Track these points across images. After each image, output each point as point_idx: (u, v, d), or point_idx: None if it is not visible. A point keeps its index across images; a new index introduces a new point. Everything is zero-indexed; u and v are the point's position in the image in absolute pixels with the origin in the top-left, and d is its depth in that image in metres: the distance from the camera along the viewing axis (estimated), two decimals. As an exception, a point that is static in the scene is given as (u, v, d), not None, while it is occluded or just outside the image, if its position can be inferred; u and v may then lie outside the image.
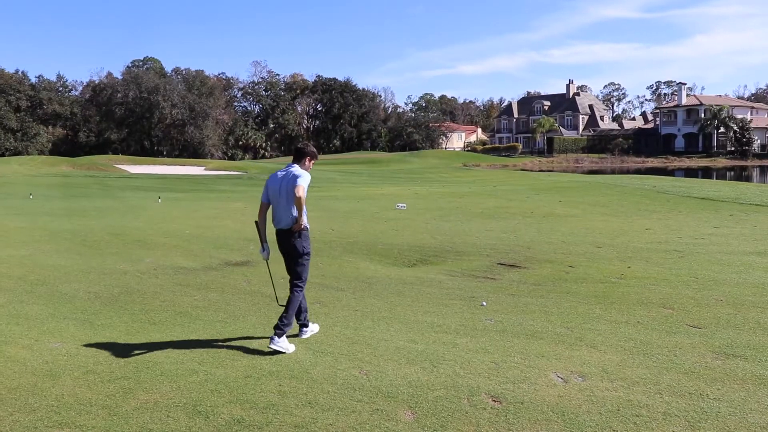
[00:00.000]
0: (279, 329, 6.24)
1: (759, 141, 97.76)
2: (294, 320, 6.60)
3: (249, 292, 9.46)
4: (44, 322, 7.67)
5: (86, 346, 6.64)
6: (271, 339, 6.21)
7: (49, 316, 8.03)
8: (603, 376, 5.23)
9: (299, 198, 6.29)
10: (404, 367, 5.59)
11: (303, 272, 6.71)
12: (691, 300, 8.15)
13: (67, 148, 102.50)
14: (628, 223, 16.70)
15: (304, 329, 6.82)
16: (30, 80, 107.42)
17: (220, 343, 6.62)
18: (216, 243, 14.29)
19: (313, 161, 6.84)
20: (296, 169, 6.59)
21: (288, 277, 6.90)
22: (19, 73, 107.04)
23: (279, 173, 6.71)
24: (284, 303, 6.65)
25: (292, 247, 6.65)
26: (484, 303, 8.21)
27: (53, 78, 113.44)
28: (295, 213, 6.44)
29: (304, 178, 6.42)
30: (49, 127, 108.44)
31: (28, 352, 6.43)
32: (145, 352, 6.35)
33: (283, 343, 6.20)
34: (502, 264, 11.40)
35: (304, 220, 6.51)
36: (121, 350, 6.44)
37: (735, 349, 5.94)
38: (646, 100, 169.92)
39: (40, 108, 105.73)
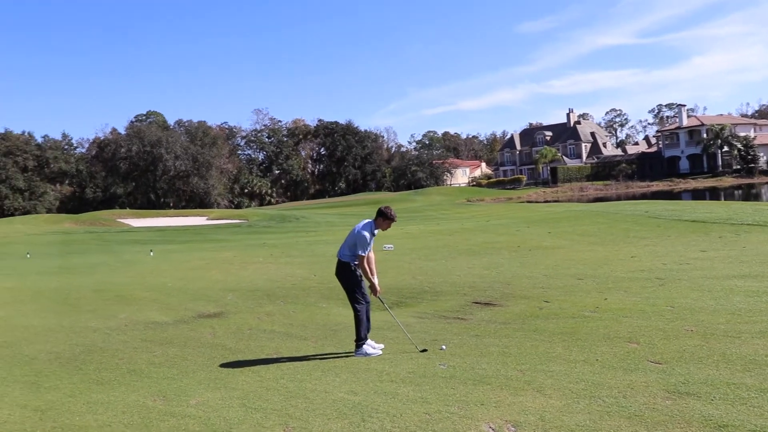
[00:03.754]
0: (357, 345, 7.99)
1: (765, 158, 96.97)
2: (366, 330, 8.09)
3: (211, 345, 9.20)
4: (-10, 388, 7.44)
5: (21, 410, 6.43)
6: (355, 353, 7.94)
7: (0, 380, 7.80)
8: (538, 425, 4.88)
9: (360, 258, 8.02)
10: (332, 421, 5.29)
11: (354, 297, 8.12)
12: (660, 332, 7.80)
13: (74, 204, 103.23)
14: (614, 251, 16.33)
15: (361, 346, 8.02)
16: (36, 140, 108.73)
17: (157, 403, 6.34)
18: (195, 295, 14.07)
19: (388, 222, 8.18)
20: (366, 227, 8.08)
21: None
22: (26, 134, 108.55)
23: (361, 222, 8.23)
24: (424, 348, 7.95)
25: (343, 277, 8.19)
26: (444, 347, 7.90)
27: (58, 137, 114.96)
28: (349, 253, 8.12)
29: (361, 245, 7.96)
30: (57, 185, 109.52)
31: (-42, 422, 6.18)
32: (76, 416, 6.10)
33: (362, 351, 7.90)
34: (477, 303, 11.09)
35: (375, 281, 8.23)
36: (54, 414, 6.19)
37: (690, 387, 5.59)
38: (648, 124, 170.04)
39: (47, 167, 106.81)
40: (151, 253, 25.43)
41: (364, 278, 8.21)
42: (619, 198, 65.91)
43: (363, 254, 7.97)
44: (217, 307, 12.39)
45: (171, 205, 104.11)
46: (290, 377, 6.97)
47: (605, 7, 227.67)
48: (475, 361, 7.02)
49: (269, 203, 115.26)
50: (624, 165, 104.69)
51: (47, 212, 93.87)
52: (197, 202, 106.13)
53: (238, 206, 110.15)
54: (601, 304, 9.90)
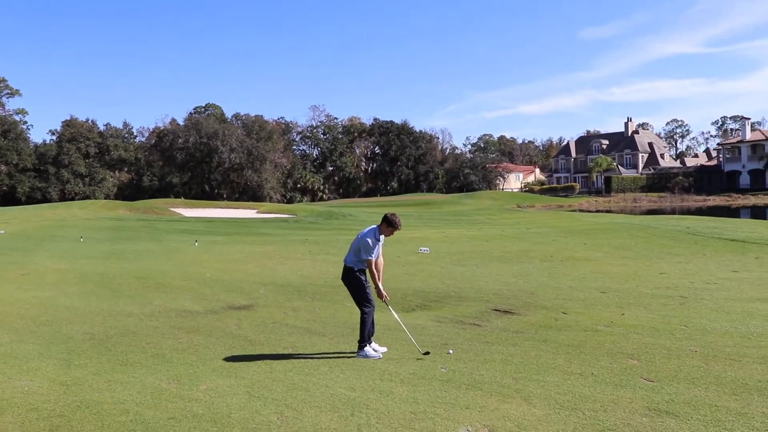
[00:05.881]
0: (359, 347, 8.21)
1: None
2: (369, 334, 8.30)
3: (234, 335, 9.62)
4: (28, 361, 8.02)
5: (49, 384, 6.94)
6: (357, 354, 8.17)
7: (37, 355, 8.38)
8: (513, 431, 5.13)
9: (368, 263, 8.31)
10: (323, 413, 5.64)
11: (361, 300, 8.33)
12: (663, 350, 7.91)
13: (131, 191, 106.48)
14: (645, 266, 16.27)
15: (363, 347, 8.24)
16: (99, 128, 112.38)
17: (171, 386, 6.79)
18: (230, 286, 14.59)
19: (391, 229, 8.39)
20: (370, 233, 8.29)
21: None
22: (89, 121, 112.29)
23: (366, 228, 8.45)
24: (427, 351, 8.21)
25: (348, 281, 8.43)
26: (451, 351, 8.16)
27: (120, 125, 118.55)
28: (355, 258, 8.38)
29: (365, 250, 8.21)
30: (116, 172, 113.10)
31: (-5, 389, 6.75)
32: (96, 392, 6.57)
33: (364, 353, 8.11)
34: (496, 310, 11.29)
35: (381, 286, 8.44)
36: (77, 390, 6.69)
37: (672, 406, 5.74)
38: (711, 136, 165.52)
39: (107, 154, 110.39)
40: (196, 244, 26.26)
41: (369, 283, 8.49)
42: (673, 211, 64.59)
43: (369, 258, 8.27)
44: (248, 300, 12.86)
45: (224, 196, 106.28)
46: (298, 370, 7.34)
47: (674, 13, 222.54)
48: (476, 367, 7.27)
49: (321, 199, 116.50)
50: (681, 177, 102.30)
51: (105, 198, 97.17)
52: (250, 194, 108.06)
53: (290, 201, 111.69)
54: (616, 319, 10.00)
